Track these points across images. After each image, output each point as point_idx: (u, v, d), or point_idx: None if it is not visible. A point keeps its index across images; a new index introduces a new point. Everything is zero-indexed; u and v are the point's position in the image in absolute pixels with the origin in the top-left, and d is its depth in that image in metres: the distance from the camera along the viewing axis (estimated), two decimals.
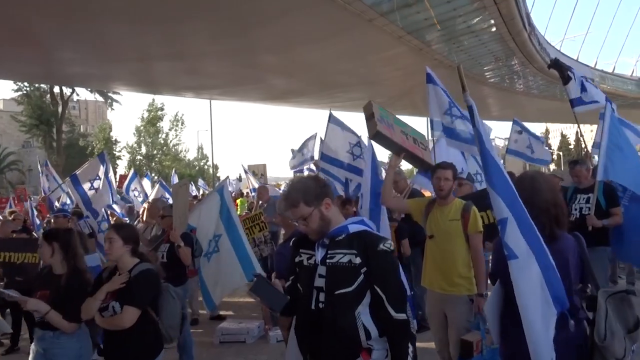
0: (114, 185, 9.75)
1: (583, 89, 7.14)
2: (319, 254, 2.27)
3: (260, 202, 10.21)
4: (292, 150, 12.01)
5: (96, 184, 8.93)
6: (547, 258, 2.28)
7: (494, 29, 17.21)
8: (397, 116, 4.46)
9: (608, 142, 5.38)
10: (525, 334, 2.23)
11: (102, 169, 9.00)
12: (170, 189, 11.23)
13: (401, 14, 13.99)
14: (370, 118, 4.02)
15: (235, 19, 12.95)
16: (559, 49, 35.10)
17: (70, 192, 9.94)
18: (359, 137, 7.87)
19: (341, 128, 8.09)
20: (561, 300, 2.26)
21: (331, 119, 8.11)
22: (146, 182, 15.02)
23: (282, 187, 18.21)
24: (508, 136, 9.90)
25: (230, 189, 17.15)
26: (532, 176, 2.62)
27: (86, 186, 8.84)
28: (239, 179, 22.17)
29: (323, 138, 8.30)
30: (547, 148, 10.43)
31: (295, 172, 11.88)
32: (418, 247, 5.51)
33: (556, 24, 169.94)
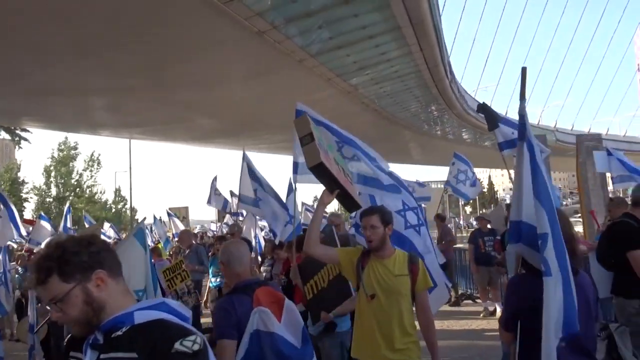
0: (18, 218, 9.02)
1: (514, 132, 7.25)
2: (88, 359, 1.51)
3: (182, 248, 9.49)
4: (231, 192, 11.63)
5: None
6: (570, 283, 2.38)
7: (416, 74, 17.71)
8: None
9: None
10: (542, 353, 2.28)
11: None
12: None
13: (331, 56, 13.96)
14: (307, 140, 3.26)
15: (156, 52, 12.25)
16: (474, 97, 37.33)
17: None
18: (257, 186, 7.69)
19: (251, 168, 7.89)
20: (572, 326, 2.35)
21: (245, 157, 7.98)
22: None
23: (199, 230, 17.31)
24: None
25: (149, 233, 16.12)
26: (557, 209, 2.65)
27: None
28: (161, 221, 20.84)
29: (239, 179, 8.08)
30: (475, 186, 10.81)
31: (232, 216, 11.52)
32: None
33: (470, 74, 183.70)
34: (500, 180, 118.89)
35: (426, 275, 3.44)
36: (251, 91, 16.53)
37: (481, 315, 9.46)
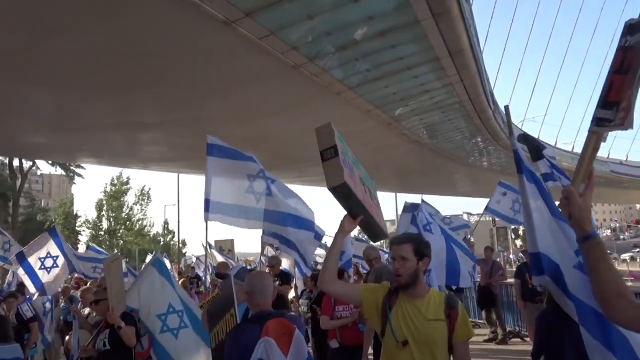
0: (73, 256, 9.06)
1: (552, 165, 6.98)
2: None
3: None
4: None
5: (48, 262, 8.29)
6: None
7: (458, 105, 17.40)
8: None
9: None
10: None
11: (53, 246, 8.35)
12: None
13: (369, 88, 13.92)
14: (330, 154, 2.74)
15: (197, 87, 12.58)
16: (520, 127, 36.39)
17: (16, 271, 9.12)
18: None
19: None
20: None
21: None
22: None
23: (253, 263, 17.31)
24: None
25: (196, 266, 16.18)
26: None
27: (34, 263, 8.16)
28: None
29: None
30: None
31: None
32: None
33: (517, 105, 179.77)
34: None
35: (467, 322, 2.87)
36: (288, 125, 16.65)
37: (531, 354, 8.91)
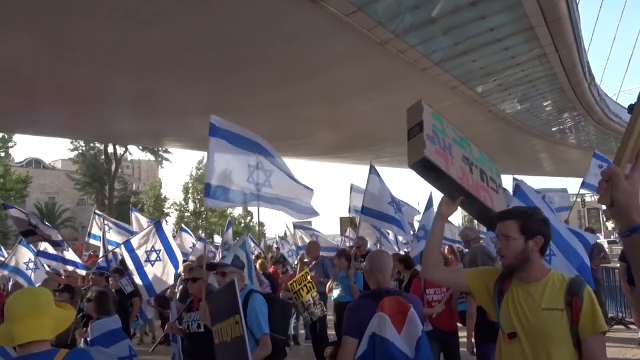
0: (177, 252, 9.10)
1: None
2: None
3: (307, 259, 9.53)
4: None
5: (153, 256, 8.44)
6: None
7: (552, 77, 16.41)
8: None
9: None
10: None
11: (157, 240, 8.44)
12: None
13: (455, 63, 13.43)
14: (415, 131, 2.52)
15: (281, 71, 12.71)
16: (616, 101, 33.85)
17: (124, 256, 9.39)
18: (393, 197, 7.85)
19: (379, 181, 7.93)
20: None
21: (372, 170, 7.94)
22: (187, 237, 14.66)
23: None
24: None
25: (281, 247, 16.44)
26: None
27: (141, 255, 8.33)
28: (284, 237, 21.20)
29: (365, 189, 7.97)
30: None
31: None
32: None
33: (611, 76, 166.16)
34: None
35: (596, 313, 2.30)
36: (373, 103, 16.45)
37: (638, 343, 8.32)
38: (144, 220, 12.67)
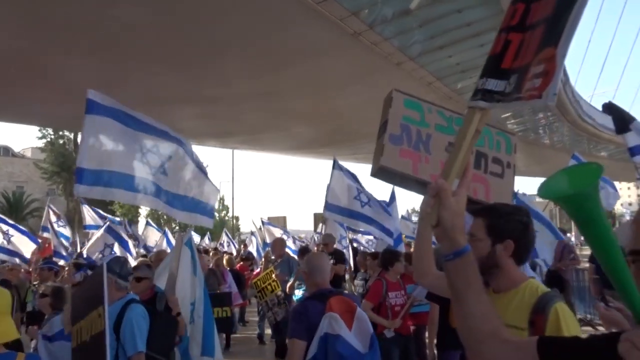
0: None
1: None
2: None
3: (273, 257, 9.23)
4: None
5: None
6: None
7: None
8: None
9: None
10: None
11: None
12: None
13: (431, 58, 13.22)
14: (381, 131, 2.24)
15: (256, 60, 12.32)
16: (589, 102, 34.27)
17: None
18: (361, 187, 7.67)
19: (345, 176, 7.75)
20: None
21: (335, 165, 7.75)
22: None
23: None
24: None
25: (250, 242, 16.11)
26: None
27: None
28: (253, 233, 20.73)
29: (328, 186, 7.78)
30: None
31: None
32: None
33: (585, 79, 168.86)
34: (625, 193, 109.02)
35: (563, 330, 1.88)
36: (349, 98, 16.17)
37: None
38: (91, 216, 12.16)
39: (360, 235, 12.09)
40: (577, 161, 9.15)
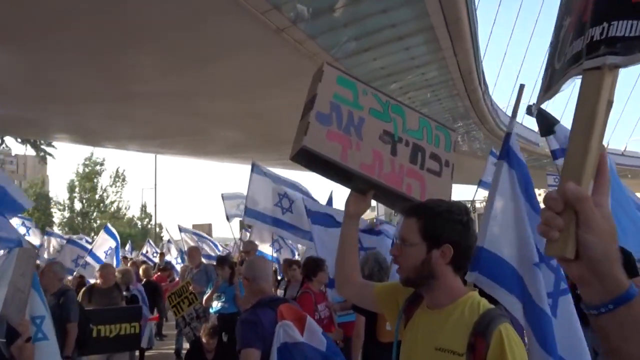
0: None
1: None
2: None
3: (191, 267, 8.67)
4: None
5: None
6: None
7: (450, 83, 16.63)
8: None
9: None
10: None
11: None
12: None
13: (356, 61, 12.99)
14: (306, 109, 1.95)
15: (171, 56, 11.47)
16: (505, 112, 35.92)
17: None
18: (285, 190, 7.68)
19: (268, 178, 7.81)
20: None
21: (254, 169, 7.75)
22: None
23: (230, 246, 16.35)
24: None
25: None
26: None
27: None
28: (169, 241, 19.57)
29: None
30: None
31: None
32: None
33: (502, 92, 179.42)
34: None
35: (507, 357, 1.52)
36: (273, 100, 15.65)
37: None
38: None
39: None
40: (495, 157, 9.14)
